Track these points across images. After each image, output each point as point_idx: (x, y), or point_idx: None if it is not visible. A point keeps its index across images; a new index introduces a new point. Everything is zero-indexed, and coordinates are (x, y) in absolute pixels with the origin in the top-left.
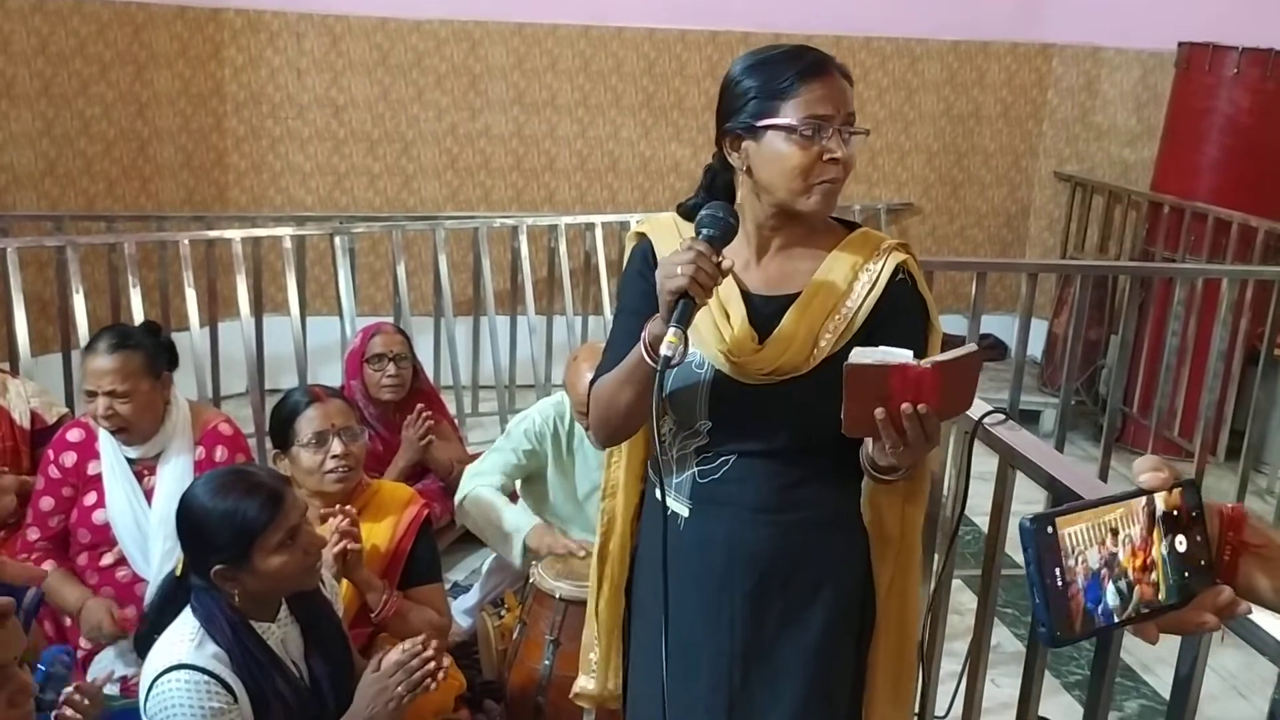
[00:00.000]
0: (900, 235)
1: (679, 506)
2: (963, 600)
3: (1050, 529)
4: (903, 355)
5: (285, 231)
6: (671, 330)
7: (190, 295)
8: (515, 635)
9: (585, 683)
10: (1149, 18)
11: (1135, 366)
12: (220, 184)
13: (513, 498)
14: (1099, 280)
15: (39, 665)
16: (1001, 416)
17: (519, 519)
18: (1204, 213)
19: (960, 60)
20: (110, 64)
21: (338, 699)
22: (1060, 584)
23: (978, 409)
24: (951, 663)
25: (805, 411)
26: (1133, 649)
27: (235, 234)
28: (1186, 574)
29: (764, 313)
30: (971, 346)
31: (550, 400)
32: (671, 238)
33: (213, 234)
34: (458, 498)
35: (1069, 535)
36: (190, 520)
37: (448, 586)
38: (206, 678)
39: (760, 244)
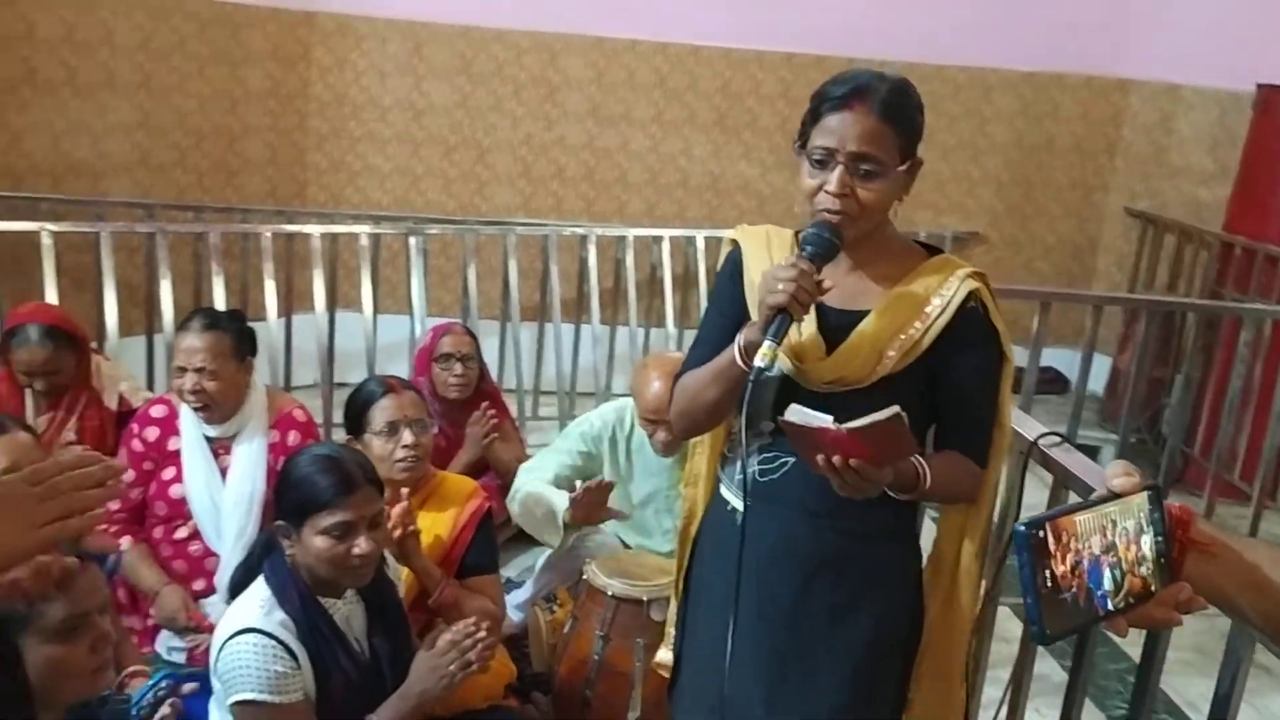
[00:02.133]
0: None
1: (738, 501)
2: (1010, 628)
3: (1040, 533)
4: (823, 420)
5: (362, 229)
6: (767, 344)
7: (269, 287)
8: (566, 630)
9: (665, 655)
10: (1228, 58)
11: (1199, 407)
12: (301, 181)
13: None
14: (1165, 318)
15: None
16: (1057, 439)
17: (564, 500)
18: (1276, 255)
19: (1034, 91)
20: (207, 61)
21: (395, 677)
22: (1049, 586)
23: (1033, 430)
24: (994, 689)
25: None
26: (1180, 688)
27: (314, 229)
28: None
29: (835, 325)
30: (890, 410)
31: (611, 405)
32: (761, 248)
33: (293, 228)
34: (511, 495)
35: (1079, 522)
36: (283, 469)
37: (501, 581)
38: (273, 642)
39: (840, 256)
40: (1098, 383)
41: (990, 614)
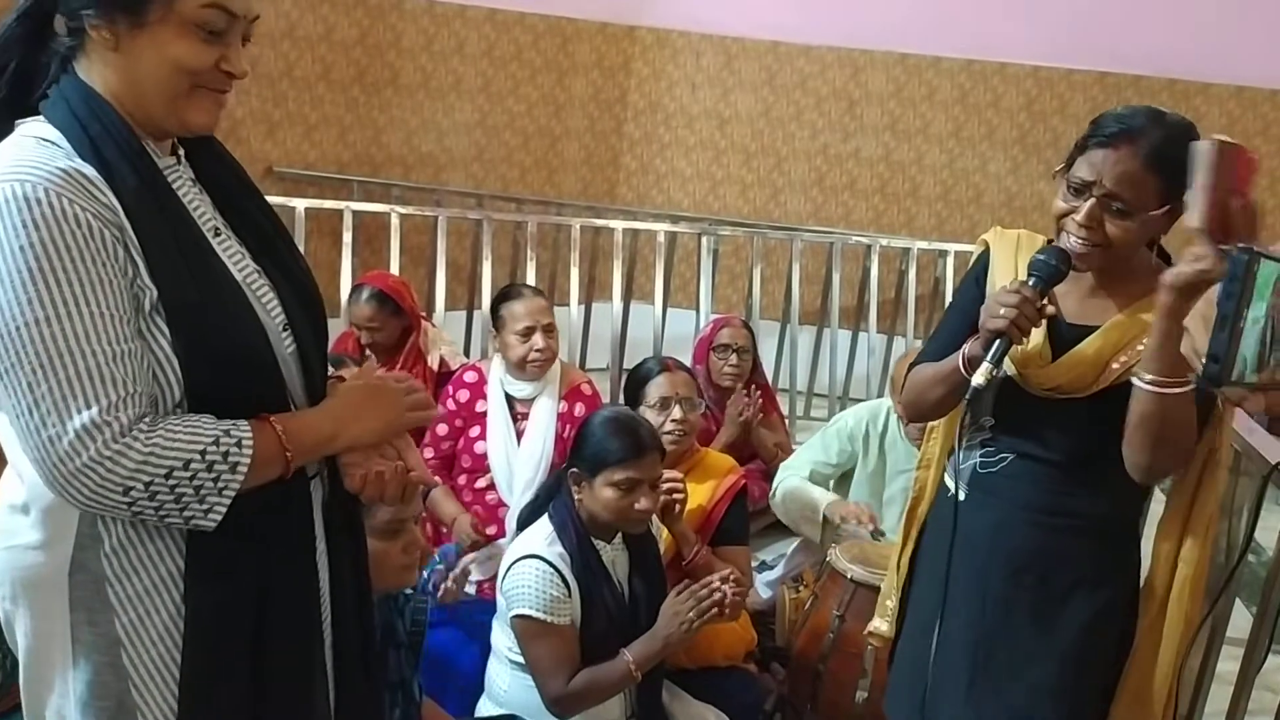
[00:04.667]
0: None
1: (958, 490)
2: (1277, 680)
3: (1255, 268)
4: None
5: (661, 228)
6: (985, 367)
7: (574, 275)
8: (806, 607)
9: (879, 624)
10: None
11: None
12: (612, 181)
13: None
14: None
15: (435, 554)
16: None
17: (824, 495)
18: None
19: None
20: (539, 69)
21: (649, 618)
22: (1243, 325)
23: (1275, 453)
24: (1218, 701)
25: (1081, 430)
26: None
27: (618, 225)
28: None
29: (1065, 337)
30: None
31: (868, 404)
32: (1009, 254)
33: (600, 223)
34: (772, 489)
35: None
36: (588, 422)
37: (755, 564)
38: (552, 570)
39: (1084, 275)
40: None
41: (1214, 650)
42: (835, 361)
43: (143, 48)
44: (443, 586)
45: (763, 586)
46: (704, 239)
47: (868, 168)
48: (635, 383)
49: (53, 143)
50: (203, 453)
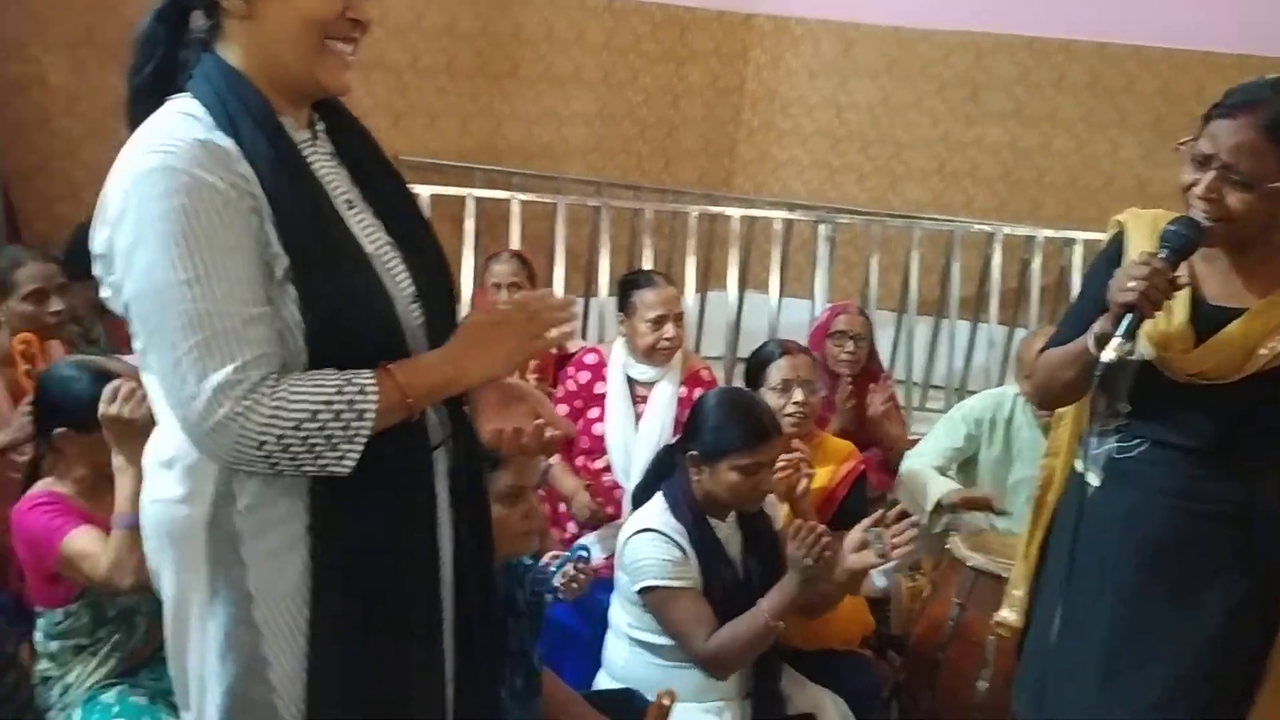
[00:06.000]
0: None
1: (1092, 476)
2: None
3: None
4: None
5: (777, 215)
6: (1116, 341)
7: (690, 263)
8: (925, 595)
9: (1007, 614)
10: None
11: None
12: (729, 170)
13: None
14: None
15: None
16: None
17: (940, 484)
18: None
19: None
20: (657, 59)
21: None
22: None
23: None
24: None
25: (1224, 416)
26: None
27: (735, 212)
28: None
29: (1210, 320)
30: None
31: (993, 390)
32: (1145, 234)
33: (716, 210)
34: (900, 473)
35: None
36: (703, 405)
37: None
38: (668, 538)
39: (1223, 254)
40: None
41: None
42: (954, 353)
43: (272, 7)
44: (565, 581)
45: (877, 575)
46: (820, 227)
47: (991, 155)
48: (756, 365)
49: (195, 116)
50: (328, 402)
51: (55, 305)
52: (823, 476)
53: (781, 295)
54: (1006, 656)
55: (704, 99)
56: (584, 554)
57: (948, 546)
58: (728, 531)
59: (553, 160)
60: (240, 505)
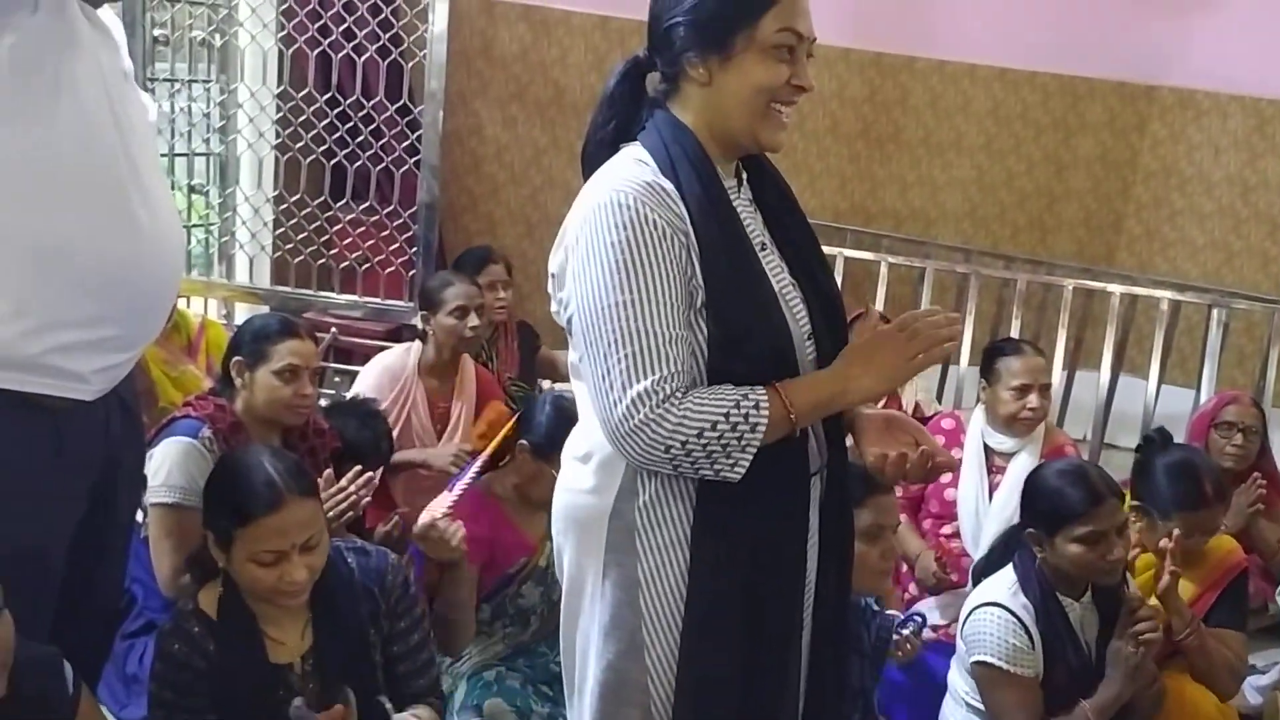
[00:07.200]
0: None
1: None
2: None
3: None
4: None
5: (1164, 294)
6: None
7: (1060, 337)
8: None
9: None
10: None
11: None
12: (1111, 245)
13: None
14: None
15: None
16: None
17: None
18: None
19: None
20: (1044, 129)
21: None
22: None
23: None
24: None
25: None
26: None
27: (1116, 288)
28: None
29: None
30: None
31: None
32: None
33: (1094, 285)
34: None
35: None
36: (1036, 479)
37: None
38: (1015, 620)
39: None
40: None
41: None
42: None
43: (730, 77)
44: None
45: (1251, 691)
46: (1214, 310)
47: None
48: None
49: (645, 162)
50: (726, 414)
51: (473, 321)
52: (1197, 575)
53: (1161, 381)
54: None
55: (1091, 171)
56: (918, 619)
57: None
58: (1082, 612)
59: (924, 225)
60: (640, 501)
